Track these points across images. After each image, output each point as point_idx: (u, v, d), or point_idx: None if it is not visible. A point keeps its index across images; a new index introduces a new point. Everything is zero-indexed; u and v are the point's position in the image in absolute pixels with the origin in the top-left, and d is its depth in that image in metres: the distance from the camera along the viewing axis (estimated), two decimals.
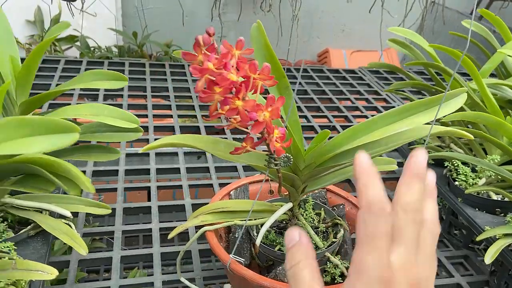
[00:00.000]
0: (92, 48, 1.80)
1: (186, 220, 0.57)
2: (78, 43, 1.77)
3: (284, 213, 0.56)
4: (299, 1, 1.40)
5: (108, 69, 0.76)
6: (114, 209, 0.71)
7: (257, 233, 0.56)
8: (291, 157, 0.48)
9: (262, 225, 0.56)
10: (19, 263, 0.44)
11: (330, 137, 0.51)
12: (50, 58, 1.26)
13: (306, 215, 0.59)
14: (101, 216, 0.68)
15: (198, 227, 0.56)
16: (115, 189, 0.76)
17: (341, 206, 0.62)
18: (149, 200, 0.76)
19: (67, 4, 1.20)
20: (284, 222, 0.58)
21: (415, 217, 0.29)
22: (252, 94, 0.43)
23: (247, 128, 0.45)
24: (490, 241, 0.68)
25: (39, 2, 1.72)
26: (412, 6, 1.53)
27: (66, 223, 0.53)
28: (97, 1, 1.57)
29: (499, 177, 0.70)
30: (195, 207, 0.74)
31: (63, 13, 1.72)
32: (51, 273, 0.44)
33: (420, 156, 0.30)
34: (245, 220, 0.56)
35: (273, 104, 0.41)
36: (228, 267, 0.50)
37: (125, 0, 2.09)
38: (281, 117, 0.52)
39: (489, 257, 0.57)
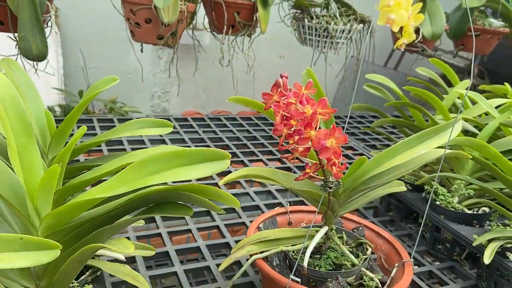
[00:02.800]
0: None
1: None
2: None
3: None
4: (251, 57, 1.51)
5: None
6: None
7: (295, 258, 0.61)
8: (341, 181, 0.55)
9: (298, 250, 0.62)
10: None
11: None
12: None
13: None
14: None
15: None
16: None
17: (360, 228, 0.69)
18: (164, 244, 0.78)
19: (29, 63, 1.19)
20: (319, 244, 0.64)
21: None
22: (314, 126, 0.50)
23: (306, 157, 0.52)
24: (471, 251, 0.80)
25: None
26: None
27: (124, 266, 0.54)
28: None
29: (471, 194, 0.83)
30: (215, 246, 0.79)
31: None
32: None
33: None
34: (287, 246, 0.61)
35: (337, 132, 0.49)
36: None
37: (66, 60, 2.08)
38: None
39: (487, 257, 0.67)
